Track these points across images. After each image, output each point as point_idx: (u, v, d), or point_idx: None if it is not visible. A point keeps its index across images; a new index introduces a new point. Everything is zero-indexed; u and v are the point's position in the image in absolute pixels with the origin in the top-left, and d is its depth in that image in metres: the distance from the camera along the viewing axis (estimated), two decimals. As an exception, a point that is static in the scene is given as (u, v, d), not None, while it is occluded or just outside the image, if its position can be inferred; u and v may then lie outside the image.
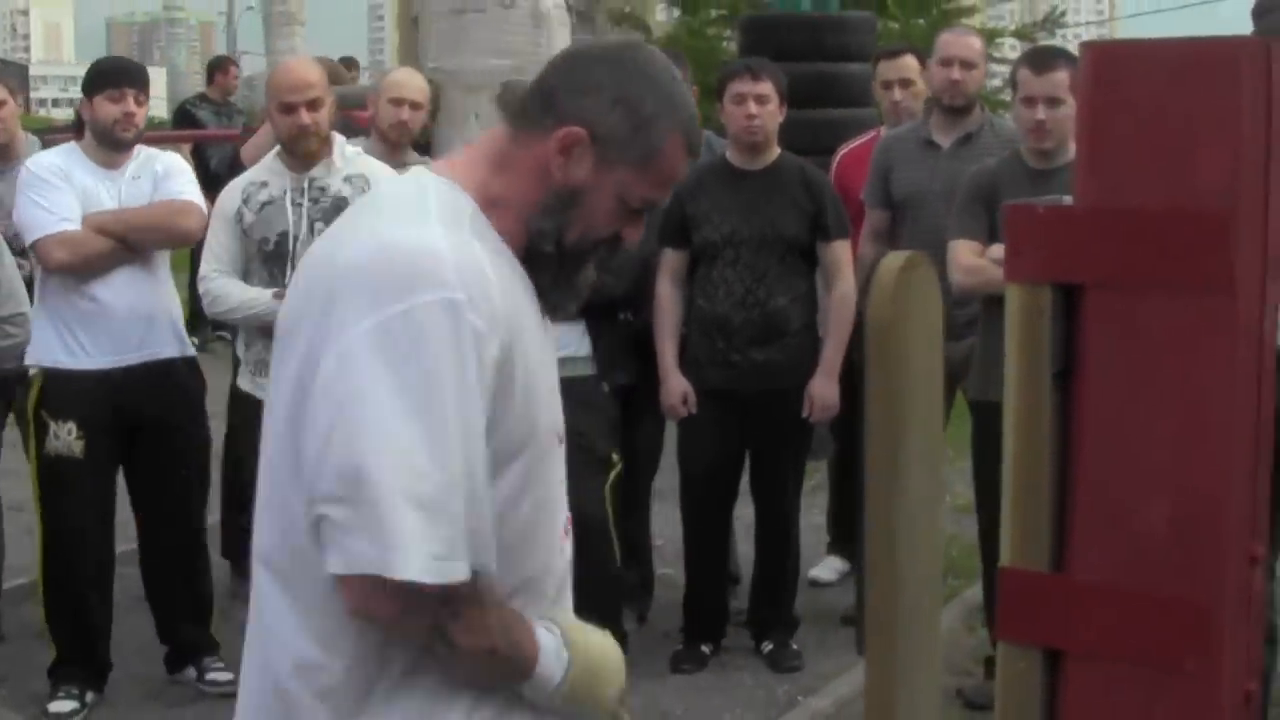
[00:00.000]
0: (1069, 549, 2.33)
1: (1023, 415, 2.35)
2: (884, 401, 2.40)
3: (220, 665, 6.62)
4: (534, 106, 2.68)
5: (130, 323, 6.31)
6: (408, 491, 2.41)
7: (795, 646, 6.98)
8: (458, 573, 2.45)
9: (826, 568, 8.12)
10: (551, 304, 2.73)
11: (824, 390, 6.81)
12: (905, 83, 7.89)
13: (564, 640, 2.70)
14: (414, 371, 2.43)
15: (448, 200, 2.62)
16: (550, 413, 2.72)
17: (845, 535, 8.02)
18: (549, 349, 2.76)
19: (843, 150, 8.06)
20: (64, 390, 6.31)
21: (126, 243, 6.31)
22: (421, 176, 2.73)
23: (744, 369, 6.79)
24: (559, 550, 2.80)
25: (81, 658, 6.49)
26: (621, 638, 6.67)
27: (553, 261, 2.68)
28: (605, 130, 2.62)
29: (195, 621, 6.71)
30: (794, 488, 7.05)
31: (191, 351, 6.67)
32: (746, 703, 6.59)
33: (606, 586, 6.19)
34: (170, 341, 6.48)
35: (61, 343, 6.29)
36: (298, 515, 2.54)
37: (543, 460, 2.68)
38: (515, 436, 2.58)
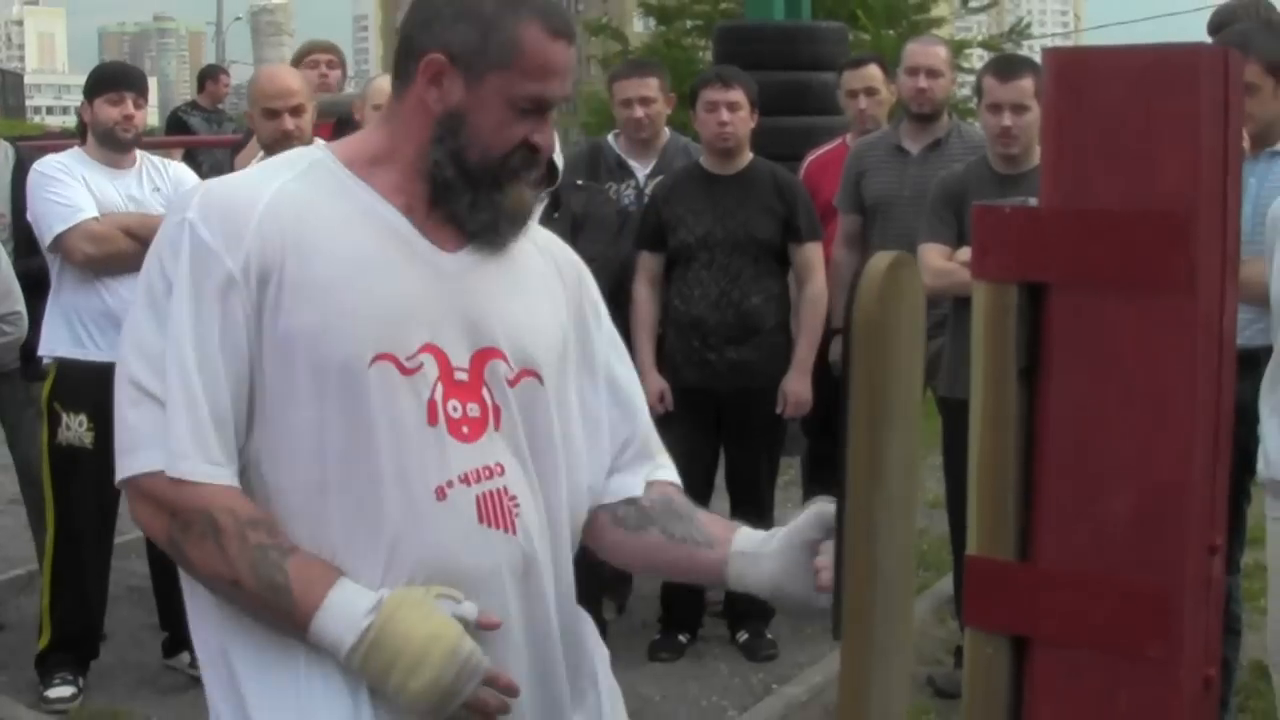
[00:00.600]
0: (1034, 539, 2.34)
1: (990, 410, 2.36)
2: (866, 398, 2.41)
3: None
4: (400, 60, 2.71)
5: None
6: (132, 388, 2.60)
7: (770, 636, 7.01)
8: (139, 464, 2.58)
9: (800, 560, 8.10)
10: (480, 224, 2.73)
11: (797, 387, 6.85)
12: (870, 91, 7.93)
13: (379, 610, 2.56)
14: (150, 283, 2.64)
15: (289, 156, 2.80)
16: (372, 338, 2.61)
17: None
18: (422, 281, 2.69)
19: (810, 156, 8.09)
20: (75, 382, 6.37)
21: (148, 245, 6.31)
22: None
23: (719, 368, 6.82)
24: (430, 516, 2.65)
25: (74, 644, 6.50)
26: (601, 626, 6.73)
27: (462, 185, 2.68)
28: (459, 47, 2.63)
29: None
30: (768, 483, 7.08)
31: None
32: (722, 690, 6.61)
33: (586, 577, 6.19)
34: None
35: (74, 336, 6.35)
36: None
37: (355, 386, 2.60)
38: (287, 350, 2.58)
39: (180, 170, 6.77)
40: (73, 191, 6.34)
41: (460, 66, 2.63)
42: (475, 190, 2.68)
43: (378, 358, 2.61)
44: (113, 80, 6.54)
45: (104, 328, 6.35)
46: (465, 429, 2.69)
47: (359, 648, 2.54)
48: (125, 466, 2.61)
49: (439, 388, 2.67)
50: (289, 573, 2.54)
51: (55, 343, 6.42)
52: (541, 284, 2.89)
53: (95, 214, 6.33)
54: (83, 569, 6.50)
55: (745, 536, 2.86)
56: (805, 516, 2.76)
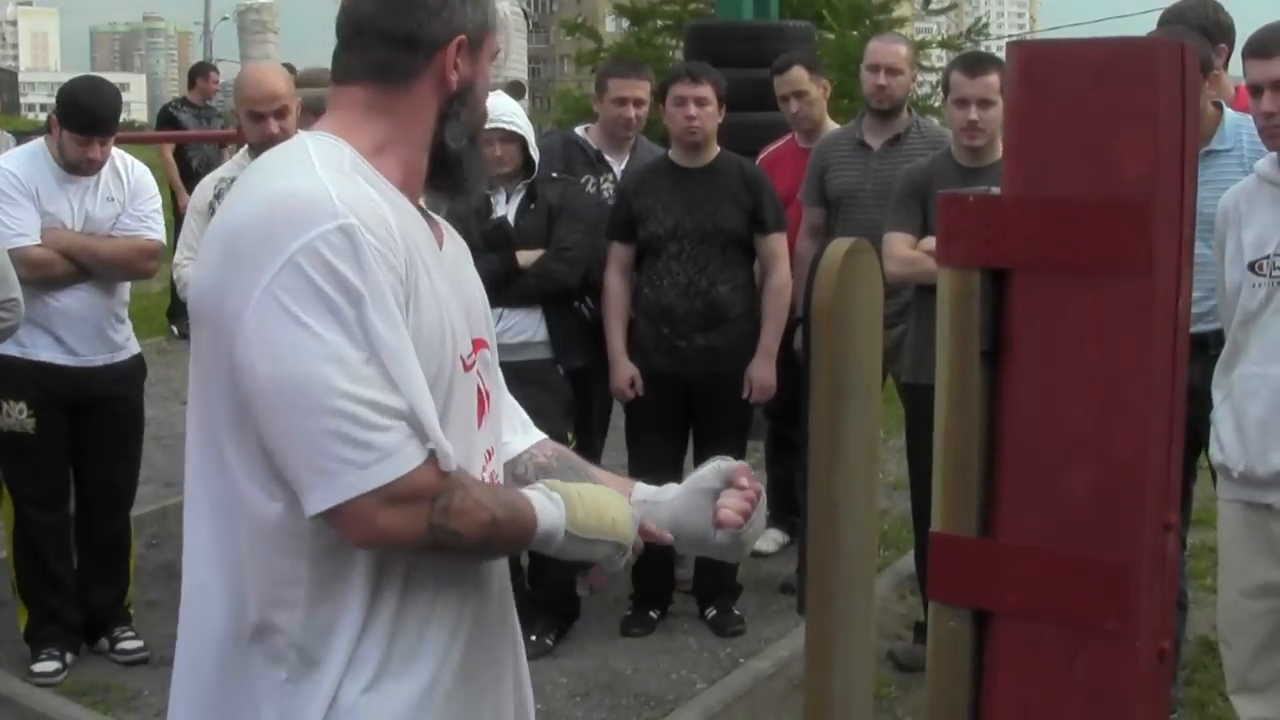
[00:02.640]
0: (996, 515, 2.33)
1: (954, 391, 2.35)
2: (827, 380, 2.40)
3: (130, 634, 6.76)
4: (391, 57, 2.68)
5: (82, 329, 6.39)
6: (364, 406, 2.42)
7: (737, 612, 7.00)
8: (410, 460, 2.45)
9: (766, 539, 8.13)
10: (475, 181, 2.82)
11: (762, 373, 6.85)
12: (798, 94, 7.90)
13: (545, 487, 2.72)
14: (330, 298, 2.42)
15: (328, 149, 2.62)
16: (457, 339, 2.67)
17: (783, 509, 8.04)
18: (445, 280, 2.70)
19: (762, 154, 8.06)
20: (13, 376, 6.40)
21: (86, 270, 6.37)
22: (301, 135, 2.72)
23: (688, 354, 6.81)
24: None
25: (52, 619, 6.50)
26: (575, 603, 6.73)
27: (471, 150, 2.77)
28: (473, 26, 2.71)
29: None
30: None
31: (136, 350, 6.71)
32: (692, 664, 6.60)
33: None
34: (113, 347, 6.57)
35: (14, 337, 6.30)
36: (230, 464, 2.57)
37: (453, 384, 2.65)
38: (424, 355, 2.54)
39: (141, 176, 6.60)
40: (20, 212, 6.27)
41: (473, 42, 2.72)
42: (477, 149, 2.79)
43: (457, 357, 2.67)
44: (82, 122, 6.29)
45: (44, 333, 6.37)
46: (480, 417, 2.79)
47: (568, 516, 2.67)
48: (375, 476, 2.44)
49: (477, 380, 2.77)
50: (508, 494, 2.69)
51: None
52: (470, 261, 2.96)
53: (36, 239, 6.26)
54: (41, 545, 6.52)
55: (642, 489, 2.98)
56: (706, 468, 2.93)
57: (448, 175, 2.77)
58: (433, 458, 2.49)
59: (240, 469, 2.55)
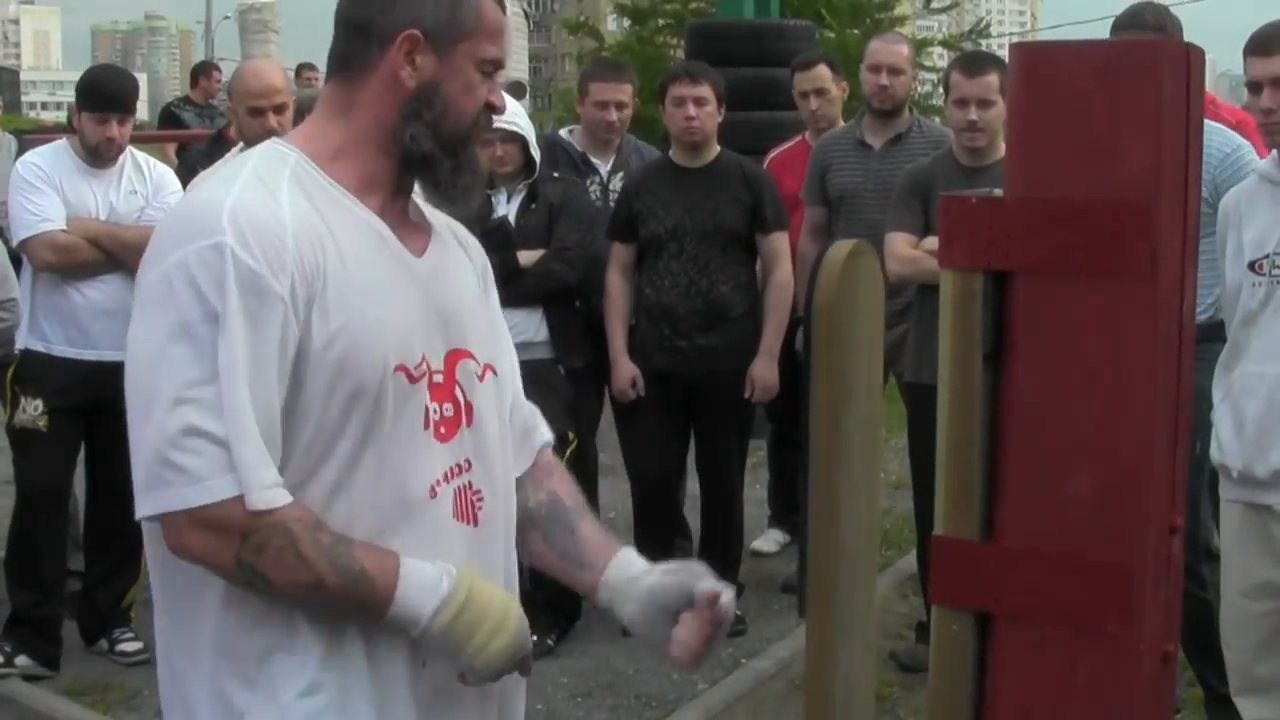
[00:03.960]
0: (999, 518, 2.32)
1: (956, 393, 2.34)
2: (828, 380, 2.38)
3: (130, 635, 6.74)
4: (351, 48, 2.66)
5: (107, 323, 6.34)
6: (185, 426, 2.41)
7: (739, 612, 6.98)
8: (211, 493, 2.42)
9: (768, 539, 8.14)
10: (463, 189, 2.72)
11: (764, 372, 6.84)
12: (820, 92, 7.90)
13: (451, 576, 2.59)
14: (183, 313, 2.44)
15: (270, 158, 2.61)
16: (390, 351, 2.59)
17: (784, 509, 8.04)
18: (409, 288, 2.66)
19: (772, 154, 8.06)
20: (35, 371, 6.42)
21: (116, 259, 6.36)
22: (261, 144, 2.71)
23: (689, 354, 6.81)
24: (424, 514, 2.65)
25: (33, 615, 6.49)
26: (576, 603, 6.72)
27: (441, 154, 2.67)
28: (431, 20, 2.62)
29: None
30: (737, 464, 7.07)
31: None
32: (693, 664, 6.59)
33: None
34: None
35: (37, 330, 6.39)
36: None
37: (383, 399, 2.57)
38: (327, 369, 2.51)
39: (163, 172, 6.69)
40: (44, 199, 6.32)
41: (433, 39, 2.62)
42: (454, 157, 2.68)
43: (396, 369, 2.59)
44: (98, 100, 6.40)
45: (66, 326, 6.39)
46: (443, 429, 2.69)
47: (442, 612, 2.55)
48: (183, 498, 2.44)
49: (427, 392, 2.67)
50: (362, 561, 2.52)
51: (21, 334, 6.44)
52: (470, 272, 2.89)
53: (62, 225, 6.30)
54: (36, 542, 6.51)
55: (617, 567, 2.87)
56: (670, 583, 2.79)
57: (424, 181, 2.71)
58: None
59: None
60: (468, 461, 2.73)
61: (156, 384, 2.44)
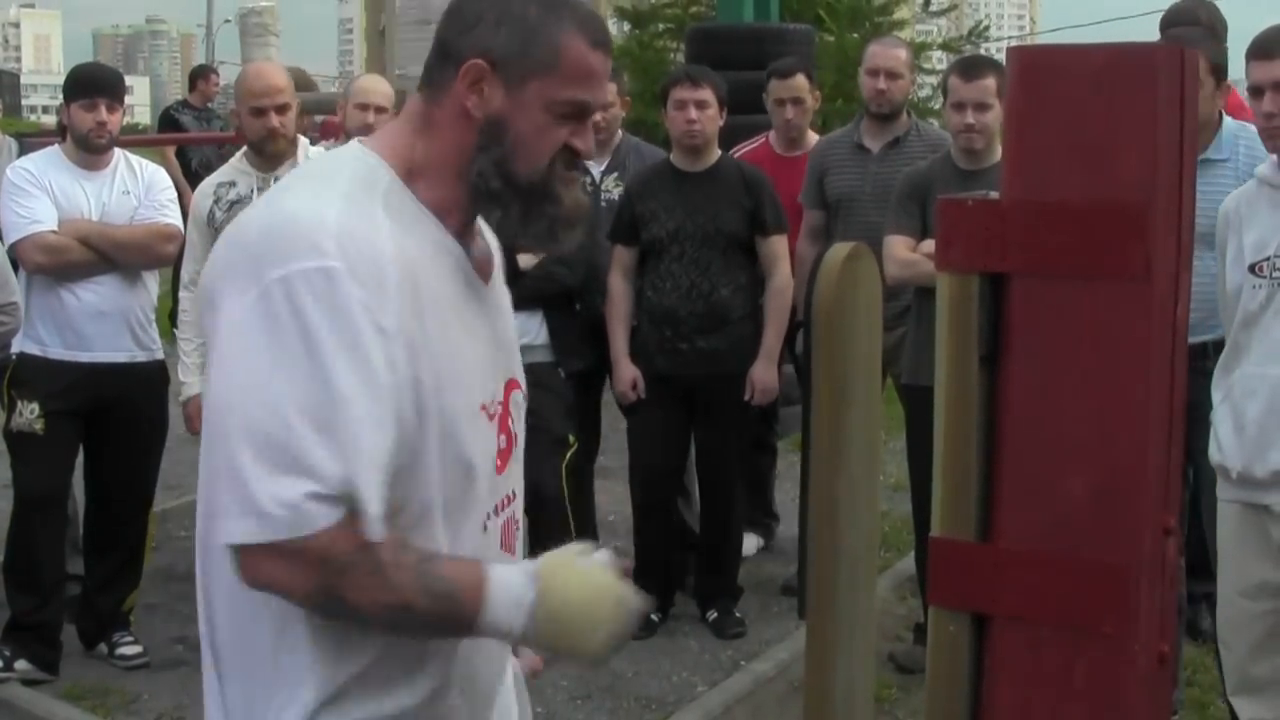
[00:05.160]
0: (995, 520, 2.33)
1: (953, 396, 2.35)
2: (827, 382, 2.40)
3: (129, 639, 6.72)
4: (435, 63, 2.55)
5: (102, 325, 6.35)
6: (276, 453, 2.29)
7: (738, 615, 7.00)
8: (311, 523, 2.29)
9: (746, 543, 8.10)
10: (536, 235, 2.58)
11: (764, 375, 6.85)
12: (796, 101, 7.88)
13: (534, 579, 2.44)
14: (289, 337, 2.30)
15: (363, 173, 2.50)
16: (477, 387, 2.53)
17: (758, 510, 7.95)
18: (482, 319, 2.59)
19: (733, 153, 8.01)
20: (30, 375, 6.40)
21: (108, 258, 6.36)
22: (346, 150, 2.60)
23: (690, 356, 6.82)
24: (477, 547, 2.57)
25: (32, 619, 6.49)
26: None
27: (511, 196, 2.53)
28: (501, 52, 2.48)
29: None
30: (736, 466, 7.07)
31: (160, 355, 6.68)
32: (693, 666, 6.60)
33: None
34: (136, 347, 6.54)
35: (33, 334, 6.37)
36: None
37: (461, 436, 2.49)
38: (419, 406, 2.41)
39: (155, 172, 6.68)
40: (34, 202, 6.32)
41: (501, 72, 2.49)
42: (525, 201, 2.54)
43: (481, 407, 2.54)
44: (86, 86, 6.44)
45: (62, 328, 6.39)
46: (499, 462, 2.63)
47: (530, 624, 2.43)
48: (283, 526, 2.31)
49: (497, 426, 2.61)
50: (448, 578, 2.42)
51: (16, 337, 6.42)
52: (505, 289, 2.81)
53: (53, 226, 6.30)
54: (33, 546, 6.49)
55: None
56: None
57: (490, 221, 2.59)
58: (347, 523, 2.33)
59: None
60: (514, 492, 2.70)
61: (246, 402, 2.31)
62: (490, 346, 2.61)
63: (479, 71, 2.48)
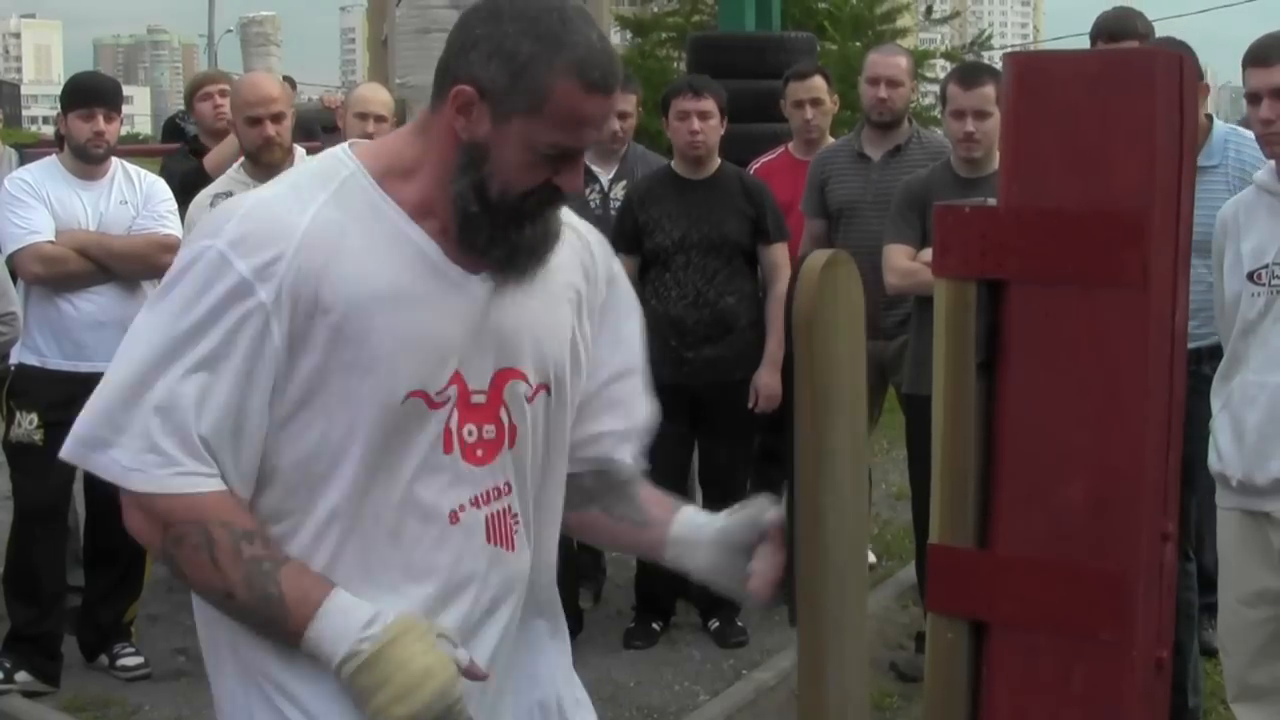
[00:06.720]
0: (993, 526, 2.34)
1: (950, 402, 2.36)
2: (810, 392, 2.38)
3: (131, 650, 6.71)
4: (438, 76, 2.56)
5: (101, 335, 6.32)
6: (126, 400, 2.45)
7: (740, 624, 7.00)
8: (157, 483, 2.45)
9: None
10: (496, 260, 2.57)
11: (768, 381, 6.85)
12: (815, 102, 7.89)
13: (382, 627, 2.48)
14: (171, 301, 2.48)
15: (321, 168, 2.60)
16: (407, 373, 2.52)
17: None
18: (451, 308, 2.58)
19: (753, 166, 8.03)
20: (29, 385, 6.39)
21: (106, 268, 6.37)
22: (330, 149, 2.67)
23: (695, 365, 6.82)
24: (444, 540, 2.60)
25: (32, 630, 6.48)
26: (578, 615, 6.72)
27: (482, 219, 2.52)
28: (489, 84, 2.46)
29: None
30: (740, 475, 7.07)
31: None
32: (694, 675, 6.60)
33: (563, 567, 6.20)
34: None
35: (31, 344, 6.36)
36: None
37: (395, 422, 2.52)
38: (321, 389, 2.49)
39: (154, 182, 6.69)
40: (31, 213, 6.33)
41: (488, 102, 2.47)
42: (493, 225, 2.53)
43: (410, 395, 2.54)
44: (83, 96, 6.46)
45: (60, 338, 6.39)
46: (479, 452, 2.63)
47: (352, 659, 2.47)
48: (116, 472, 2.48)
49: (454, 415, 2.60)
50: (282, 584, 2.48)
51: (15, 348, 6.43)
52: (564, 280, 2.77)
53: (49, 237, 6.30)
54: (33, 557, 6.48)
55: (682, 522, 2.82)
56: (739, 519, 2.72)
57: (460, 237, 2.57)
58: (193, 494, 2.47)
59: None
60: (507, 485, 2.68)
61: (130, 358, 2.49)
62: (465, 333, 2.59)
63: (467, 97, 2.49)
